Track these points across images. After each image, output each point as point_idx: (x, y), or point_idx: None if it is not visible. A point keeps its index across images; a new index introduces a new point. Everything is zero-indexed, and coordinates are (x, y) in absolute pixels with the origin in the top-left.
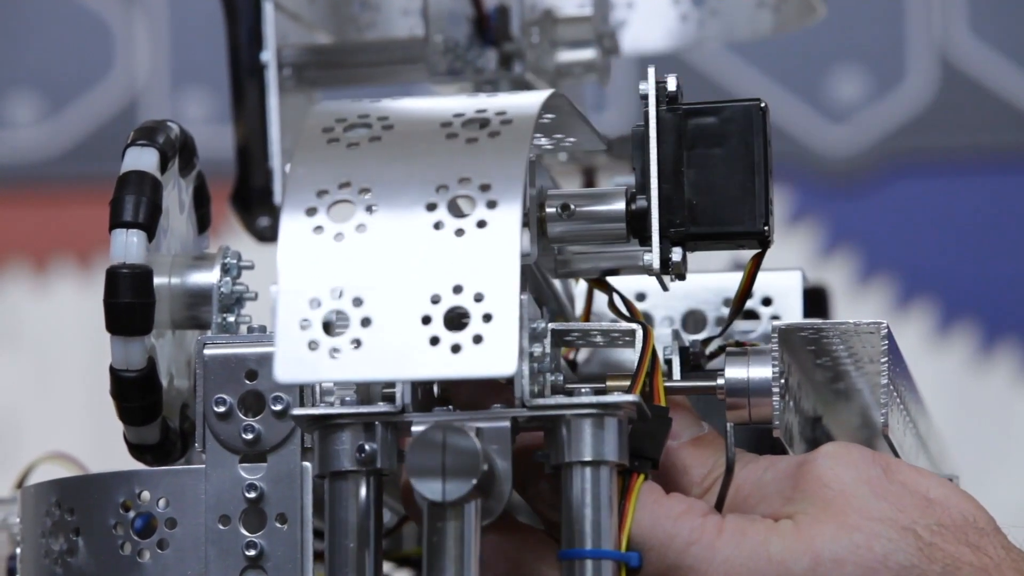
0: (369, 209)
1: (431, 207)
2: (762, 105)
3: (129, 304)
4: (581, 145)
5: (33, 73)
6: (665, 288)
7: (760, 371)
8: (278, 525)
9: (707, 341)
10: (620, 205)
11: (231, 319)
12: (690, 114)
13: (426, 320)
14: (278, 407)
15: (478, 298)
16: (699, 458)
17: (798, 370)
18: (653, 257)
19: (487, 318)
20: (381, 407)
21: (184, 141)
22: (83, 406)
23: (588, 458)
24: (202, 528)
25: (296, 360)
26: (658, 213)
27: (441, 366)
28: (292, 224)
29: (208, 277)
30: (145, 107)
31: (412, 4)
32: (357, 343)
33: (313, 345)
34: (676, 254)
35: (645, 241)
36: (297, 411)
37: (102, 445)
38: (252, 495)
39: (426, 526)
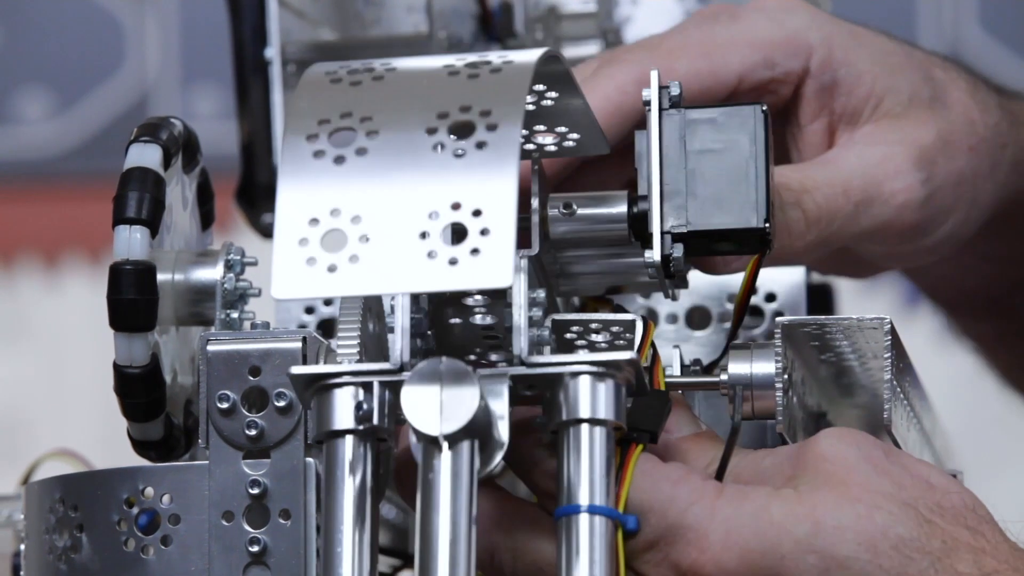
0: (370, 135)
1: (431, 131)
2: (763, 108)
3: (132, 300)
4: (586, 150)
5: (44, 69)
6: (667, 295)
7: (763, 366)
8: (281, 521)
9: (713, 364)
10: (622, 208)
11: (234, 315)
12: (692, 115)
13: (423, 235)
14: (281, 403)
15: (476, 213)
16: (699, 450)
17: (802, 366)
18: (654, 253)
19: (484, 232)
20: (379, 365)
21: (187, 137)
22: (93, 402)
23: (585, 415)
24: (206, 524)
25: (293, 276)
26: (659, 214)
27: (438, 279)
28: (293, 149)
29: (211, 273)
30: (155, 103)
31: (416, 1)
32: (354, 259)
33: (311, 262)
34: (677, 250)
35: (647, 243)
36: (295, 370)
37: (112, 441)
38: (255, 491)
39: (421, 466)
